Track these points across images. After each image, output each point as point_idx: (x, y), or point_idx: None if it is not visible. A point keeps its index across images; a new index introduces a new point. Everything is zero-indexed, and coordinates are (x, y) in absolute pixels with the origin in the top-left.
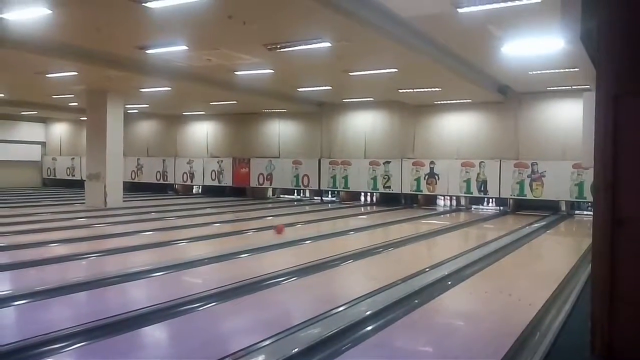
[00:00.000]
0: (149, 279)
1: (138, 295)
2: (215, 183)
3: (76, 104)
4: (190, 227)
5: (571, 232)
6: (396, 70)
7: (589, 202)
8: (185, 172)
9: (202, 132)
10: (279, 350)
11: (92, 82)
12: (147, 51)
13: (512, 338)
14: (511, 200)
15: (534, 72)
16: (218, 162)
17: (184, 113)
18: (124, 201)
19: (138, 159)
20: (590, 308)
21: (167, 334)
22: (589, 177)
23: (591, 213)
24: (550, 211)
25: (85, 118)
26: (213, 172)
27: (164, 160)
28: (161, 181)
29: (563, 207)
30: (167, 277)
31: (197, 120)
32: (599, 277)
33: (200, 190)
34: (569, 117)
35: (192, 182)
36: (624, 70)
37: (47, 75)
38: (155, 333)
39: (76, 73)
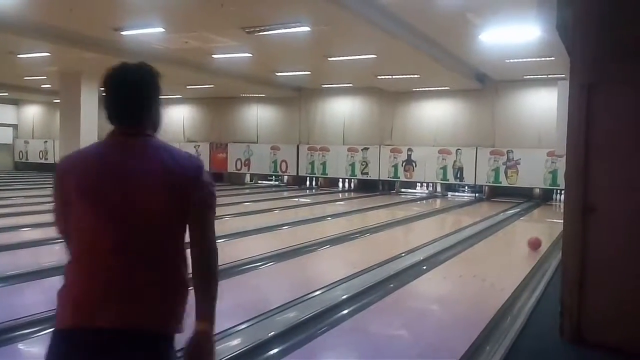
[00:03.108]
0: None
1: None
2: None
3: (49, 86)
4: None
5: (544, 219)
6: (375, 56)
7: (562, 189)
8: None
9: (179, 116)
10: (255, 334)
11: (66, 64)
12: (122, 33)
13: (484, 322)
14: (486, 187)
15: (511, 61)
16: (195, 147)
17: (160, 97)
18: None
19: None
20: (560, 293)
21: None
22: (562, 164)
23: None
24: (524, 198)
25: (58, 100)
26: None
27: None
28: None
29: (537, 194)
30: None
31: (174, 104)
32: (569, 263)
33: None
34: (544, 106)
35: None
36: (597, 59)
37: (18, 56)
38: None
39: (49, 54)
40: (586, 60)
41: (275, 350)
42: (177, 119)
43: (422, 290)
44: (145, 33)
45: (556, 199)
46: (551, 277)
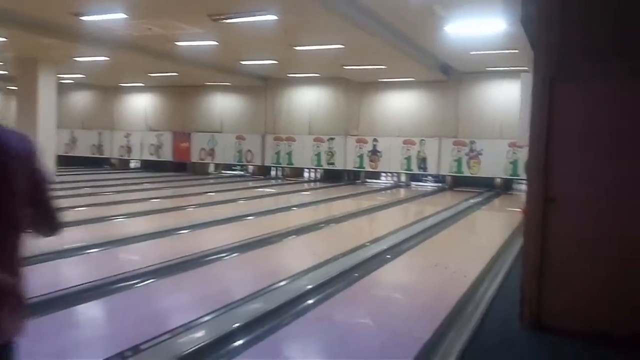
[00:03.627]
0: (83, 256)
1: (71, 273)
2: (154, 158)
3: (5, 72)
4: (127, 202)
5: (504, 208)
6: (342, 46)
7: (523, 179)
8: (122, 146)
9: (141, 104)
10: (219, 326)
11: (22, 49)
12: (82, 18)
13: (447, 309)
14: (449, 177)
15: (475, 53)
16: (157, 136)
17: (121, 84)
18: (56, 175)
19: (72, 132)
20: (521, 280)
21: (102, 312)
22: (523, 155)
23: (524, 190)
24: (486, 188)
25: (14, 87)
26: (152, 147)
27: (99, 133)
28: (97, 155)
29: (498, 184)
30: (103, 254)
31: (136, 92)
32: (530, 252)
33: (138, 165)
34: (506, 97)
35: (129, 156)
36: (561, 54)
37: None
38: (89, 311)
39: (4, 39)
40: (550, 54)
41: (239, 342)
42: (139, 108)
43: (387, 279)
44: (107, 19)
45: (516, 189)
46: (511, 265)
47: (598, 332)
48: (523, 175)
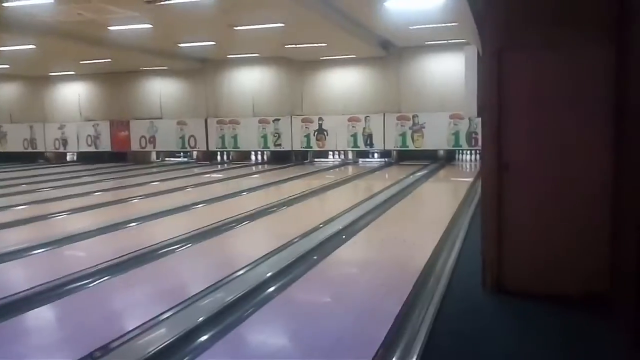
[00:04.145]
0: (26, 258)
1: (14, 278)
2: (92, 149)
3: None
4: (68, 198)
5: (449, 179)
6: (282, 24)
7: (464, 149)
8: (57, 139)
9: (74, 94)
10: (181, 322)
11: None
12: (4, 4)
13: (411, 282)
14: (395, 152)
15: (415, 27)
16: (94, 126)
17: (51, 74)
18: None
19: (0, 127)
20: (481, 247)
21: (56, 316)
22: (464, 126)
23: (465, 160)
24: (430, 160)
25: None
26: (89, 137)
27: (31, 127)
28: (29, 149)
29: (441, 156)
30: (49, 254)
31: (68, 81)
32: (489, 218)
33: (75, 158)
34: (446, 70)
35: (65, 149)
36: (508, 24)
37: None
38: (42, 317)
39: None
40: (497, 25)
41: (205, 337)
42: (72, 97)
43: (347, 258)
44: (32, 4)
45: (459, 159)
46: (466, 232)
47: (557, 292)
48: (465, 146)
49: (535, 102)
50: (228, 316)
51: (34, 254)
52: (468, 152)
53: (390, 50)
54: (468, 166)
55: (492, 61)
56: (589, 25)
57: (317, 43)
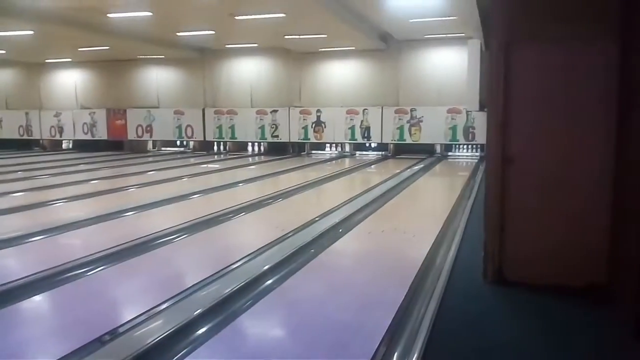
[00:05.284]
0: (23, 245)
1: (14, 265)
2: (88, 137)
3: None
4: (64, 185)
5: (446, 172)
6: (283, 15)
7: (461, 144)
8: (53, 126)
9: (70, 81)
10: (179, 314)
11: None
12: None
13: (414, 270)
14: (392, 145)
15: (415, 20)
16: (90, 114)
17: (48, 60)
18: None
19: None
20: (484, 238)
21: (53, 305)
22: (461, 120)
23: (462, 154)
24: (427, 154)
25: None
26: (85, 125)
27: (27, 114)
28: (25, 136)
29: (438, 150)
30: (45, 242)
31: (64, 69)
32: (492, 210)
33: (70, 146)
34: (445, 64)
35: (61, 136)
36: (515, 18)
37: None
38: (38, 306)
39: None
40: (504, 18)
41: (203, 330)
42: (68, 85)
43: (346, 250)
44: None
45: (456, 153)
46: (465, 224)
47: (557, 283)
48: (462, 140)
49: (541, 96)
50: (226, 309)
51: (30, 241)
52: (465, 146)
53: (389, 43)
54: (465, 161)
55: (498, 55)
56: (595, 21)
57: (317, 34)
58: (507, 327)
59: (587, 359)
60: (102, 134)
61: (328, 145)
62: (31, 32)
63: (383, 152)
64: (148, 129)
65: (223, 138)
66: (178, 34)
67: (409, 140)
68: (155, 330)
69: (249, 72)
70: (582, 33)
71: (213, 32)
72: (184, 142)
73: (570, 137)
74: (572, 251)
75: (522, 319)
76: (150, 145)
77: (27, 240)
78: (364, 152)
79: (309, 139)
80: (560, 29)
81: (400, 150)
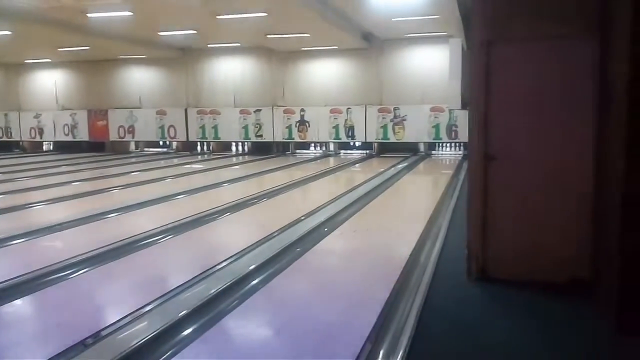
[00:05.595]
0: (6, 248)
1: None
2: (70, 138)
3: None
4: (46, 187)
5: (430, 171)
6: (265, 14)
7: (444, 142)
8: (32, 128)
9: (50, 82)
10: (164, 315)
11: None
12: None
13: (397, 271)
14: (376, 144)
15: (397, 19)
16: (71, 115)
17: (26, 61)
18: None
19: None
20: (467, 237)
21: (36, 308)
22: (444, 119)
23: (445, 152)
24: (410, 152)
25: None
26: (66, 127)
27: (5, 115)
28: (4, 138)
29: (422, 148)
30: (27, 245)
31: (44, 69)
32: (475, 208)
33: (51, 147)
34: (427, 63)
35: (41, 138)
36: (496, 17)
37: None
38: (21, 309)
39: None
40: (485, 18)
41: (188, 331)
42: (48, 85)
43: (331, 249)
44: None
45: (439, 152)
46: (449, 222)
47: (541, 279)
48: (445, 138)
49: (522, 94)
50: (212, 309)
51: (11, 244)
52: (448, 144)
53: (372, 42)
54: (448, 159)
55: (479, 54)
56: (575, 19)
57: (300, 33)
58: (492, 324)
59: (571, 354)
60: (83, 135)
61: (312, 144)
62: (9, 32)
63: (367, 151)
64: (130, 129)
65: (206, 138)
66: (159, 33)
67: (392, 139)
68: (140, 333)
69: (232, 71)
70: (563, 31)
71: (195, 32)
72: (167, 143)
73: (551, 134)
74: (555, 247)
75: (505, 316)
76: (132, 146)
77: (8, 243)
78: (349, 151)
79: (293, 139)
80: (540, 27)
81: (385, 148)
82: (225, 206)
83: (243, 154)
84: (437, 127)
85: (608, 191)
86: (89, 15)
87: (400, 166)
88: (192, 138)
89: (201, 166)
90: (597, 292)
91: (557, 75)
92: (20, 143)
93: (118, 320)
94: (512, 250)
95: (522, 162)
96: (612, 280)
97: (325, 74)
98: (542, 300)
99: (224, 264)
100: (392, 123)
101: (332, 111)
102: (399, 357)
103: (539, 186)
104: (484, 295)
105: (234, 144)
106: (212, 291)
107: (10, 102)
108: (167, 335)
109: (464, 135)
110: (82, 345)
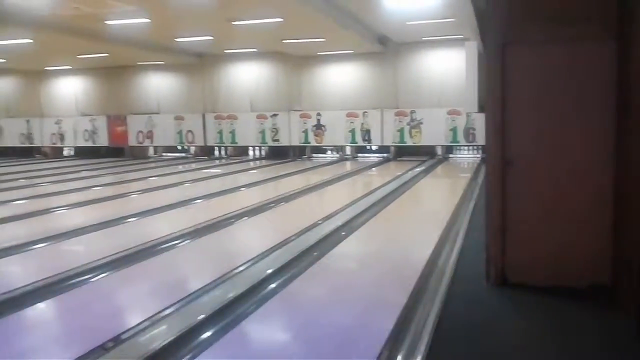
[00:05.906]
0: (26, 253)
1: (17, 273)
2: (90, 144)
3: None
4: (67, 192)
5: (448, 174)
6: (281, 19)
7: (462, 145)
8: (54, 133)
9: (70, 88)
10: (183, 319)
11: None
12: None
13: (415, 275)
14: (393, 148)
15: (412, 23)
16: (91, 121)
17: (47, 68)
18: None
19: None
20: (485, 241)
21: (58, 312)
22: (461, 122)
23: (463, 155)
24: (427, 156)
25: None
26: (86, 132)
27: (27, 121)
28: (26, 144)
29: (439, 152)
30: (49, 249)
31: (64, 76)
32: (493, 213)
33: (72, 153)
34: (443, 66)
35: (62, 143)
36: (512, 19)
37: None
38: (43, 313)
39: None
40: (501, 21)
41: (207, 334)
42: (68, 92)
43: (349, 253)
44: None
45: (457, 155)
46: (467, 227)
47: (560, 284)
48: (463, 142)
49: (539, 97)
50: (231, 313)
51: (33, 249)
52: (466, 148)
53: (387, 46)
54: (466, 162)
55: (495, 57)
56: (592, 22)
57: (315, 38)
58: (511, 329)
59: None
60: (103, 140)
61: (329, 148)
62: (30, 41)
63: (384, 155)
64: (149, 134)
65: (224, 143)
66: (176, 39)
67: (409, 143)
68: (159, 336)
69: (248, 76)
70: (580, 33)
71: (211, 38)
72: (185, 148)
73: (569, 138)
74: (575, 252)
75: (525, 321)
76: (151, 151)
77: (30, 248)
78: (365, 155)
79: (310, 143)
80: (557, 30)
81: (402, 152)
82: (242, 210)
83: (260, 158)
84: (454, 130)
85: (628, 196)
86: (107, 22)
87: (417, 170)
88: (209, 143)
89: (219, 170)
90: (617, 297)
91: (574, 78)
92: (42, 149)
93: (138, 324)
94: (531, 255)
95: (539, 167)
96: (633, 286)
97: (341, 78)
98: (562, 305)
99: (242, 268)
100: (408, 127)
101: (348, 115)
102: None
103: (557, 190)
104: (502, 299)
105: (251, 148)
106: (230, 295)
107: (32, 109)
108: (186, 339)
109: (481, 138)
110: (102, 348)
